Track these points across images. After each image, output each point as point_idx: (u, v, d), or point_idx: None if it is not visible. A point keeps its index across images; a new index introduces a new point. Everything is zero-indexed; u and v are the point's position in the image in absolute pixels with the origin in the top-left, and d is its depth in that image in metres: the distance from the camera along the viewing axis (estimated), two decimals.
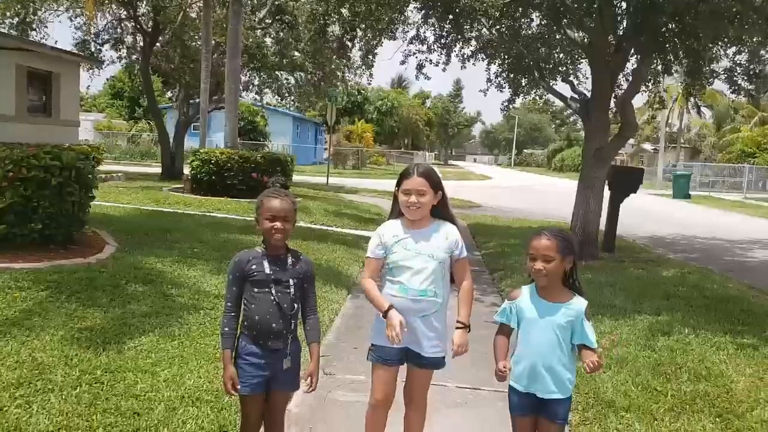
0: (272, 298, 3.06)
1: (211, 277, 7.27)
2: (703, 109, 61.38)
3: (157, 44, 22.67)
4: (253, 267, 3.08)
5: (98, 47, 22.73)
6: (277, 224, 3.06)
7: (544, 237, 3.00)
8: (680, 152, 57.70)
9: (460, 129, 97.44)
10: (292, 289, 3.11)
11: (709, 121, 61.99)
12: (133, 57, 23.77)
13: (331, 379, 4.91)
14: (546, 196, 29.50)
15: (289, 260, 3.16)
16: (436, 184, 3.39)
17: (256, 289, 3.08)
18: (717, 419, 4.42)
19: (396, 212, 3.50)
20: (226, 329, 3.09)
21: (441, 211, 3.48)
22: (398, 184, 3.42)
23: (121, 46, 23.27)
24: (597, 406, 4.54)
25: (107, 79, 52.72)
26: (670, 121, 55.47)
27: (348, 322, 6.70)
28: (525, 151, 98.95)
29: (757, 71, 10.71)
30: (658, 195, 33.35)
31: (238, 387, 3.03)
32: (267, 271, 3.07)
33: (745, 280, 9.89)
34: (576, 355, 3.03)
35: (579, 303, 3.00)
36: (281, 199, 3.11)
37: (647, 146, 63.57)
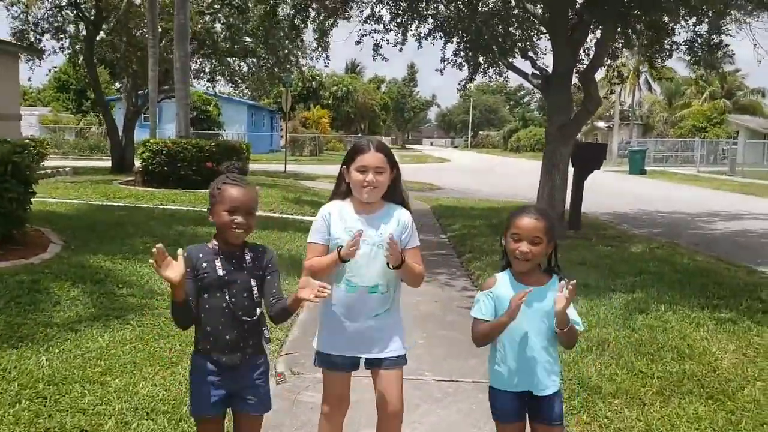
0: (225, 304, 2.55)
1: None
2: (653, 86, 62.37)
3: (101, 33, 21.75)
4: (204, 266, 2.55)
5: (38, 37, 21.64)
6: (238, 218, 2.53)
7: (532, 216, 2.61)
8: (633, 129, 58.49)
9: (415, 112, 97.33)
10: (254, 291, 2.61)
11: (660, 98, 62.97)
12: (77, 47, 22.73)
13: (299, 379, 4.56)
14: (505, 176, 29.49)
15: (248, 257, 2.63)
16: (393, 162, 2.93)
17: (206, 295, 2.56)
18: (708, 401, 4.20)
19: (342, 193, 3.02)
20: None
21: (393, 192, 2.99)
22: (348, 161, 2.93)
23: (62, 36, 22.17)
24: (583, 393, 4.28)
25: (49, 70, 50.51)
26: (621, 98, 56.13)
27: (314, 314, 6.33)
28: (481, 132, 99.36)
29: (717, 42, 10.62)
30: (615, 171, 33.64)
31: (174, 276, 2.37)
32: (219, 272, 2.55)
33: (712, 253, 9.84)
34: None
35: (557, 283, 2.66)
36: (242, 187, 2.57)
37: (601, 124, 64.20)
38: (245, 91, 30.05)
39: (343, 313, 2.92)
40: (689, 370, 4.71)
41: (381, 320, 2.93)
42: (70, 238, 8.18)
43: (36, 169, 7.53)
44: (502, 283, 2.67)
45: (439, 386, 4.61)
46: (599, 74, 14.46)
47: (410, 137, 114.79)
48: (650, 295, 6.81)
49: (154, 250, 2.37)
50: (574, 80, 11.46)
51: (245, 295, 2.59)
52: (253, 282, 2.61)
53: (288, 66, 24.68)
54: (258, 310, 2.62)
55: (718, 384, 4.48)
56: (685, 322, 5.88)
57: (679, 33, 11.10)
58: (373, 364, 2.99)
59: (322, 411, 3.07)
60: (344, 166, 2.97)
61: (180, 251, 2.44)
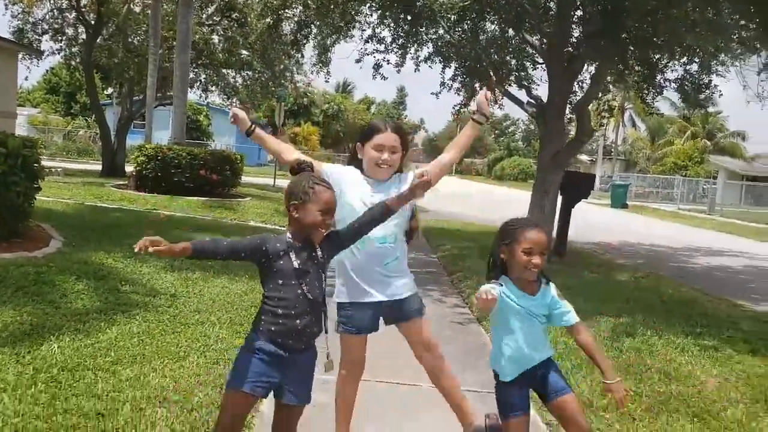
0: (300, 291, 2.71)
1: (165, 274, 6.97)
2: (638, 123, 63.49)
3: (99, 38, 21.87)
4: (281, 253, 2.73)
5: (37, 37, 21.71)
6: (329, 219, 2.78)
7: (540, 231, 2.94)
8: (615, 164, 59.40)
9: None
10: (323, 283, 2.83)
11: (644, 134, 64.11)
12: (73, 50, 22.79)
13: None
14: (489, 203, 29.76)
15: (319, 252, 2.81)
16: (406, 143, 3.27)
17: (281, 281, 2.72)
18: (694, 419, 4.40)
19: (353, 166, 3.37)
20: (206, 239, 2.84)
21: (401, 168, 3.37)
22: (364, 138, 3.23)
23: (61, 37, 22.26)
24: None
25: (46, 71, 50.61)
26: (606, 133, 57.10)
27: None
28: (466, 159, 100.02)
29: (707, 81, 11.00)
30: (597, 204, 34.10)
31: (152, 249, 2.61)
32: (295, 264, 2.72)
33: (696, 286, 10.12)
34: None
35: (551, 287, 3.01)
36: (332, 190, 2.82)
37: (583, 157, 65.14)
38: (237, 102, 30.19)
39: (358, 264, 3.21)
40: (675, 391, 4.91)
41: (390, 266, 3.24)
42: (70, 235, 8.27)
43: (41, 164, 7.62)
44: (505, 291, 2.91)
45: (436, 393, 4.75)
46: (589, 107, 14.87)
47: None
48: (637, 320, 7.03)
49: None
50: (567, 111, 11.79)
51: (317, 284, 2.79)
52: (322, 275, 2.85)
53: (283, 81, 24.89)
54: (324, 295, 2.85)
55: (703, 404, 4.69)
56: (671, 347, 6.10)
57: (671, 70, 11.45)
58: (392, 317, 3.31)
59: (339, 374, 3.33)
60: (358, 143, 3.24)
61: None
